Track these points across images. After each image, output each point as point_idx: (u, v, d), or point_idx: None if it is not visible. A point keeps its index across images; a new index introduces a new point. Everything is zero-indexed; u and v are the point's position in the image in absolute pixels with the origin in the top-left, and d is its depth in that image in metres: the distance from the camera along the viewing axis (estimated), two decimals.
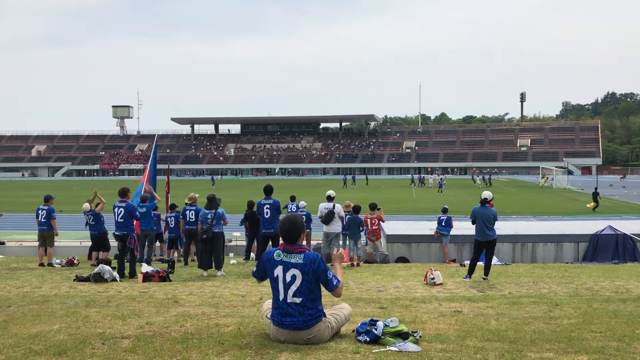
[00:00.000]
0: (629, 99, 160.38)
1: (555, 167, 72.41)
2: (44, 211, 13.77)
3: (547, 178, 64.10)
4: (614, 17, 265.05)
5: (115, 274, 10.38)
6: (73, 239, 18.83)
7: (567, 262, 14.21)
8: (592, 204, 31.86)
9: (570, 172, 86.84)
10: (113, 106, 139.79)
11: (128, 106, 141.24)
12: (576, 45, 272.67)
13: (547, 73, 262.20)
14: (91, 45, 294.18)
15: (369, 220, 14.59)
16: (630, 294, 8.04)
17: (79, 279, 10.20)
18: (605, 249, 14.59)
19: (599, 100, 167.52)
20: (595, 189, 33.94)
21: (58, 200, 15.27)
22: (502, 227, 15.65)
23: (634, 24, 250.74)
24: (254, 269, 5.14)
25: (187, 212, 13.66)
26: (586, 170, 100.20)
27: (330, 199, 13.20)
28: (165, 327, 5.54)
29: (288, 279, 4.74)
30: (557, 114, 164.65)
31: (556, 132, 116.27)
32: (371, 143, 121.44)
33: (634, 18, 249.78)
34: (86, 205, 13.67)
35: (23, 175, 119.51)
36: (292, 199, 17.31)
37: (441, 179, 54.95)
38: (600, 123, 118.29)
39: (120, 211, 11.22)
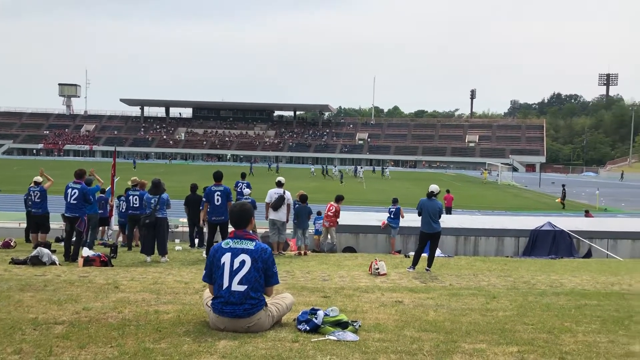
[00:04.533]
0: (573, 100, 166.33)
1: (501, 163, 74.45)
2: None
3: (486, 172, 67.96)
4: (562, 20, 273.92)
5: (54, 257, 10.05)
6: (11, 220, 18.14)
7: (507, 256, 14.67)
8: (559, 199, 33.24)
9: (515, 169, 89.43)
10: (60, 84, 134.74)
11: (75, 85, 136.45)
12: (525, 46, 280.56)
13: (498, 71, 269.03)
14: (38, 18, 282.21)
15: (327, 207, 14.68)
16: (564, 288, 8.37)
17: (15, 261, 9.82)
18: (543, 244, 15.15)
19: (545, 101, 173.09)
20: (563, 185, 35.22)
21: None
22: (447, 220, 16.01)
23: (580, 27, 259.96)
24: (204, 272, 4.97)
25: (131, 197, 13.36)
26: (530, 167, 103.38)
27: (280, 184, 13.13)
28: (103, 313, 5.41)
29: (236, 265, 4.70)
30: (505, 112, 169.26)
31: (503, 130, 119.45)
32: (325, 133, 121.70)
33: (580, 22, 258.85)
34: (38, 178, 13.14)
35: None
36: (243, 176, 17.19)
37: (339, 170, 58.95)
38: (545, 122, 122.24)
39: (75, 192, 10.85)
